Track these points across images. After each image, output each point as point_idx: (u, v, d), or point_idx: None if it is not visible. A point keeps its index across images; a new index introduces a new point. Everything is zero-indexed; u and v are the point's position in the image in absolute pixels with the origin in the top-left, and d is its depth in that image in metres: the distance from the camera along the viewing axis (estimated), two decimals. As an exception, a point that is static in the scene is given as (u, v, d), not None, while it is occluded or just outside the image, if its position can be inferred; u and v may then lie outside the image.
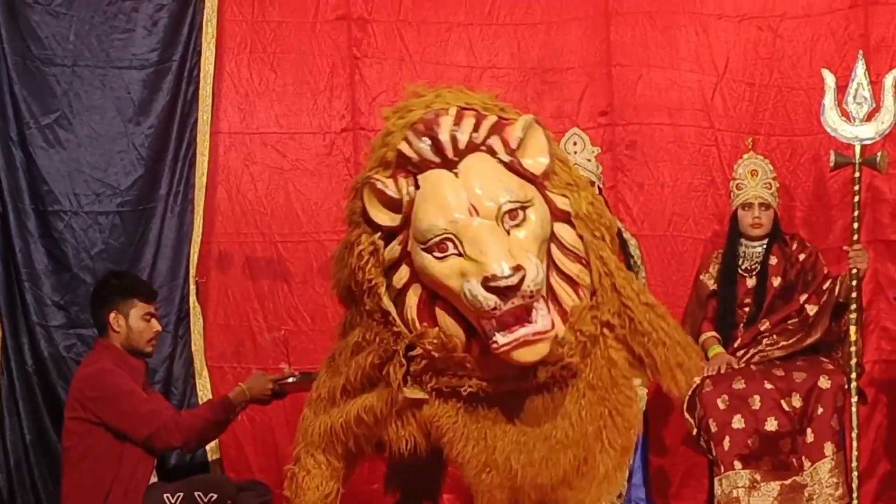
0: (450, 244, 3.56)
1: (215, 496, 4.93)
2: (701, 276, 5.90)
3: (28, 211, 6.01)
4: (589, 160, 5.78)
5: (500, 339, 3.55)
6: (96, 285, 5.35)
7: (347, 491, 5.28)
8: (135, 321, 5.10)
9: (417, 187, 3.65)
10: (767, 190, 5.77)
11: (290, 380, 5.04)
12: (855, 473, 5.44)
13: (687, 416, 5.56)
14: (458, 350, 3.69)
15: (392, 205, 3.67)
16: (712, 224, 6.24)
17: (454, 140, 3.64)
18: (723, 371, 5.55)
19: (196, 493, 4.93)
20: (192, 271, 6.04)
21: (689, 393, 5.50)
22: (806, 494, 5.39)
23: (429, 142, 3.64)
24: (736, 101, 6.29)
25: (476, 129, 3.68)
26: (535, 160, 3.71)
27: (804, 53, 6.26)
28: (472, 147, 3.66)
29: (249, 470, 5.77)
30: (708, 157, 6.27)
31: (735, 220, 5.83)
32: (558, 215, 3.73)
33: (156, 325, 5.19)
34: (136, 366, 5.12)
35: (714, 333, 5.76)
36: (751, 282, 5.77)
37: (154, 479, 5.08)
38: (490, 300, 3.46)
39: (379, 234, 3.72)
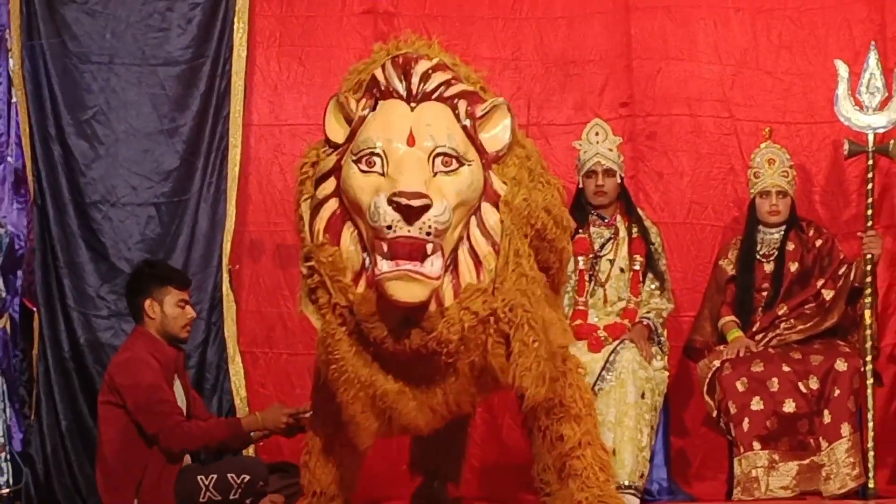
0: (377, 161, 3.61)
1: (248, 478, 4.99)
2: (720, 262, 5.94)
3: (66, 203, 6.11)
4: (611, 150, 5.84)
5: (384, 265, 3.54)
6: (131, 274, 5.44)
7: (377, 472, 5.41)
8: (169, 308, 5.17)
9: (374, 111, 3.73)
10: (784, 178, 5.81)
11: (308, 414, 4.79)
12: (871, 454, 5.48)
13: (707, 398, 5.62)
14: (344, 275, 3.69)
15: (346, 119, 3.75)
16: (731, 211, 6.31)
17: (425, 80, 3.70)
18: (741, 354, 5.60)
19: (229, 476, 4.99)
20: (226, 260, 6.14)
21: (710, 375, 5.59)
22: (823, 474, 5.44)
23: (401, 73, 3.70)
24: (755, 91, 6.36)
25: (448, 84, 3.74)
26: (492, 136, 3.75)
27: (822, 42, 6.32)
28: (438, 97, 3.72)
29: (281, 452, 5.83)
30: (727, 146, 6.34)
31: (753, 208, 5.86)
32: (490, 196, 3.74)
33: (190, 312, 5.27)
34: (170, 354, 5.18)
35: (733, 318, 5.80)
36: (769, 267, 5.82)
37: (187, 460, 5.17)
38: (389, 216, 3.46)
39: (325, 148, 3.79)
